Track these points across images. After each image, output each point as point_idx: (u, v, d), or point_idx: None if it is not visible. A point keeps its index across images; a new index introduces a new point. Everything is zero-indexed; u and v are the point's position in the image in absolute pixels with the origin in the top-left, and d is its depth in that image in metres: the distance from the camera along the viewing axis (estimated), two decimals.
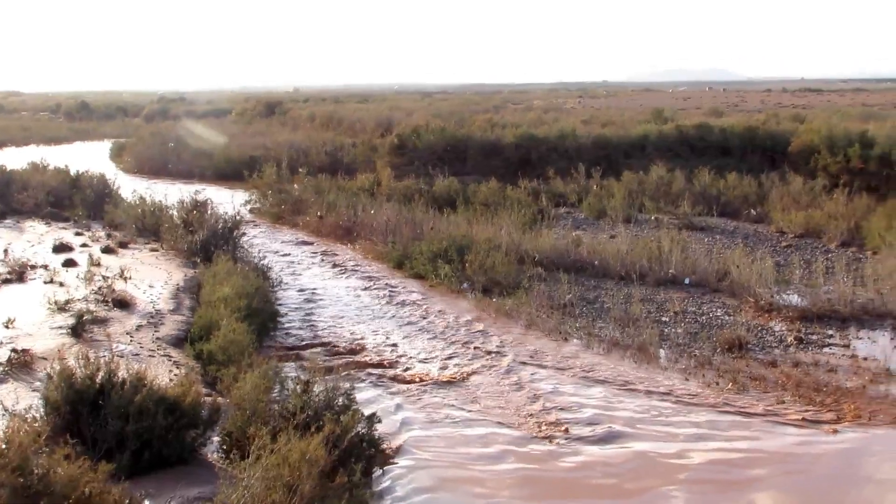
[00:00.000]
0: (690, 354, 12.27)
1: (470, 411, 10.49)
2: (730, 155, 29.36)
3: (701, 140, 30.77)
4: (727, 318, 13.97)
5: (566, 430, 9.83)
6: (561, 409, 10.48)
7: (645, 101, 77.29)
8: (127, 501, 6.14)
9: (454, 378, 11.57)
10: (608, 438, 9.66)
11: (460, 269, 16.52)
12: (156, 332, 12.14)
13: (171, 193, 22.44)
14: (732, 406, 10.49)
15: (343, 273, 18.24)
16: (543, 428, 9.92)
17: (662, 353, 12.46)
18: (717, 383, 11.21)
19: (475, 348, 12.87)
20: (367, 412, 8.25)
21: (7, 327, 11.53)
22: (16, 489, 5.63)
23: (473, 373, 11.78)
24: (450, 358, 12.43)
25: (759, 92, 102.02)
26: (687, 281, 15.97)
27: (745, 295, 14.83)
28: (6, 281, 14.59)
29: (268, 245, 21.14)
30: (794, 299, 14.56)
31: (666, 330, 13.37)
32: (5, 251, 17.02)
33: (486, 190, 24.31)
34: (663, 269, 16.32)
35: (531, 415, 10.31)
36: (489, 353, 12.65)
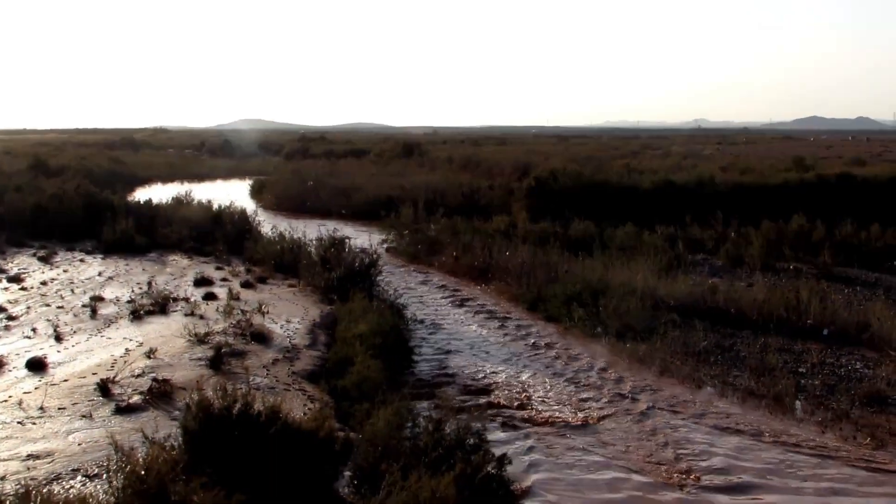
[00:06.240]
0: (827, 407, 12.04)
1: (600, 455, 10.49)
2: (873, 205, 28.66)
3: (843, 189, 30.19)
4: (867, 371, 13.63)
5: (697, 479, 9.78)
6: (692, 456, 10.43)
7: (785, 148, 76.13)
8: None
9: (586, 421, 11.61)
10: (739, 489, 9.57)
11: (594, 313, 16.56)
12: (291, 366, 12.39)
13: (309, 231, 23.00)
14: (870, 461, 10.27)
15: (477, 313, 18.39)
16: (674, 475, 9.88)
17: (798, 404, 12.25)
18: (855, 438, 11.00)
19: (608, 392, 12.88)
20: (497, 452, 8.36)
21: (149, 357, 11.98)
22: None
23: (605, 417, 11.80)
24: (582, 401, 12.47)
25: None
26: (825, 332, 15.63)
27: (886, 348, 14.46)
28: (149, 312, 15.14)
29: (403, 284, 21.43)
30: None
31: (802, 381, 13.13)
32: (149, 284, 17.71)
33: (623, 234, 24.28)
34: (801, 320, 16.05)
35: (662, 462, 10.28)
36: (622, 397, 12.66)
